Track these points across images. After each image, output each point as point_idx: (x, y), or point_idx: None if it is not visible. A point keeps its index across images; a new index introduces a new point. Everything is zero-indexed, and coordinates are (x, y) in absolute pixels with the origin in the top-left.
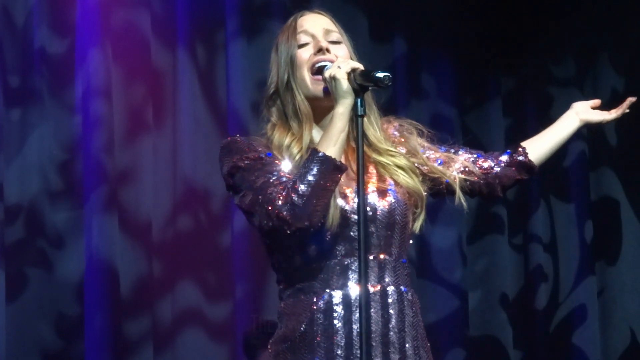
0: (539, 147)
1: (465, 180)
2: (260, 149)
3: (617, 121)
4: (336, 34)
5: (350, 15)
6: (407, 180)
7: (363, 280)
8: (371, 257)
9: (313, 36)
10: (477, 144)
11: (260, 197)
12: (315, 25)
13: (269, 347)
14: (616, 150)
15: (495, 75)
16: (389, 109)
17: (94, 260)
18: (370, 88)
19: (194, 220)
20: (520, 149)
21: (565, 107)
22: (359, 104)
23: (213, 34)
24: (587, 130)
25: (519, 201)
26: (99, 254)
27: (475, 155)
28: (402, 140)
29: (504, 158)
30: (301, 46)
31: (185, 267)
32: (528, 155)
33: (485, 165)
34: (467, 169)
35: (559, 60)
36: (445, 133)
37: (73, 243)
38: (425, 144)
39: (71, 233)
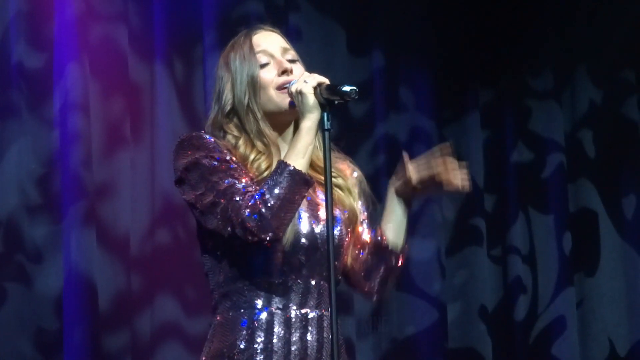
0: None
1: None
2: (225, 151)
3: (595, 133)
4: (292, 51)
5: (328, 28)
6: (345, 199)
7: (333, 305)
8: (313, 283)
9: (272, 56)
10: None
11: (223, 201)
12: (273, 44)
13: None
14: (594, 162)
15: (474, 88)
16: (367, 123)
17: (73, 274)
18: (336, 102)
19: (172, 234)
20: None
21: (543, 119)
22: (325, 118)
23: (190, 48)
24: (565, 142)
25: (497, 213)
26: (78, 269)
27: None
28: (347, 173)
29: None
30: (262, 66)
31: (164, 281)
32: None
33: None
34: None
35: (536, 72)
36: (423, 146)
37: (51, 258)
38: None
39: (50, 248)
